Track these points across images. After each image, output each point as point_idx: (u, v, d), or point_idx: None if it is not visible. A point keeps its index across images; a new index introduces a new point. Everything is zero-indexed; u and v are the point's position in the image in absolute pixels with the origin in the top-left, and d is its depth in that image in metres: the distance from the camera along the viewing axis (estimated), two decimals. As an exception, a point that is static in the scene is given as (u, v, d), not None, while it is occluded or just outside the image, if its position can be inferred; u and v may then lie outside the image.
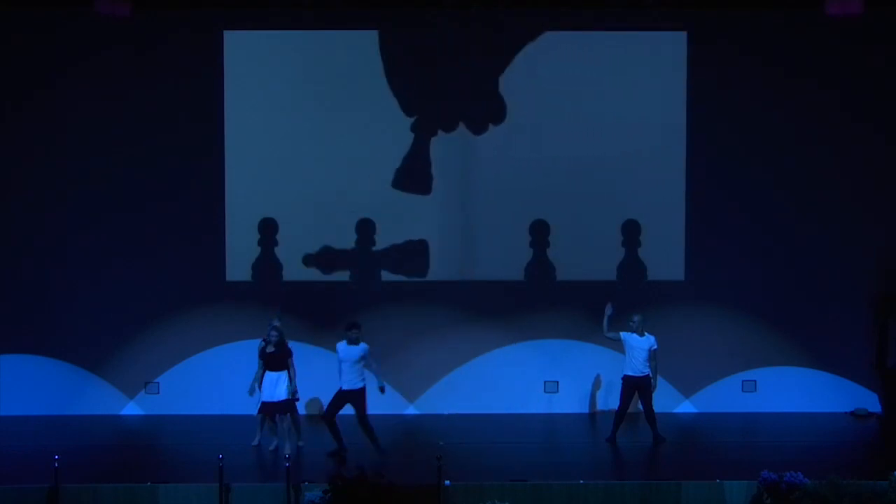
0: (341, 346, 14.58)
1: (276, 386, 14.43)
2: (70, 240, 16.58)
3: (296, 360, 14.78)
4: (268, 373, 14.46)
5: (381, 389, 14.61)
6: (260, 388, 14.58)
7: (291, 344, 14.84)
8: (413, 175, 16.60)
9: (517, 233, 16.76)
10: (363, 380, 14.54)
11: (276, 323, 14.86)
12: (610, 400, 16.56)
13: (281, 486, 12.81)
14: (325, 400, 16.36)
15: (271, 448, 14.48)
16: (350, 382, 14.50)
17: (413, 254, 16.72)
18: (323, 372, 16.16)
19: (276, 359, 14.49)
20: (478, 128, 16.66)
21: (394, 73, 16.59)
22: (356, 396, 14.52)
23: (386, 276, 16.78)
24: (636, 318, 15.18)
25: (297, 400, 14.91)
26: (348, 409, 16.55)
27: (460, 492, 12.81)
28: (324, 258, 16.78)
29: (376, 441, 14.58)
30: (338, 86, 16.63)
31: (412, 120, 16.56)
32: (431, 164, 16.56)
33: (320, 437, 15.19)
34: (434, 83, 16.62)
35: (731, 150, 16.74)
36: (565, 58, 16.64)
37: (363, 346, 14.55)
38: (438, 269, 16.77)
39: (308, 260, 16.76)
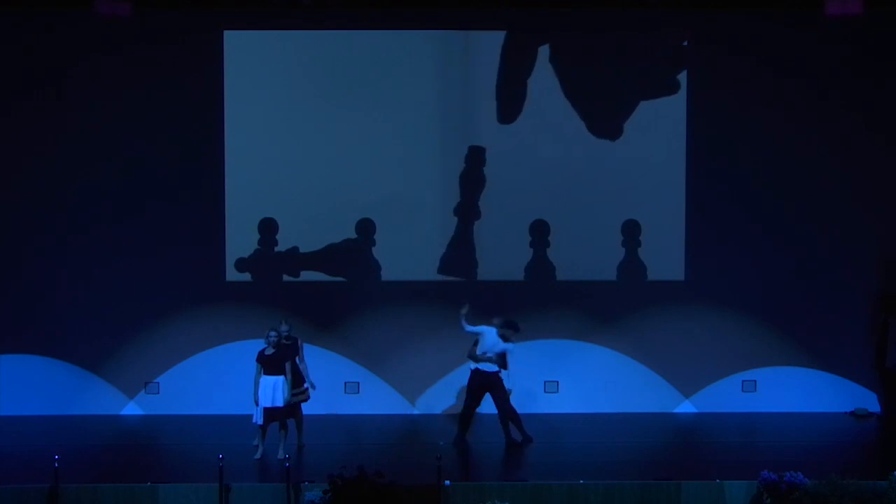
0: (491, 331, 15.12)
1: (273, 391, 14.25)
2: (70, 240, 16.55)
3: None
4: (264, 377, 14.30)
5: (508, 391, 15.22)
6: (256, 394, 14.34)
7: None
8: (457, 260, 16.78)
9: (517, 233, 16.75)
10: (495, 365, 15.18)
11: (284, 327, 14.79)
12: (610, 400, 16.59)
13: (281, 486, 12.80)
14: (327, 400, 16.35)
15: (257, 456, 14.26)
16: (486, 366, 15.12)
17: (352, 253, 16.73)
18: (323, 372, 16.15)
19: (274, 361, 14.33)
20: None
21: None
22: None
23: (384, 276, 16.77)
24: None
25: (307, 399, 14.86)
26: (349, 409, 16.62)
27: (460, 492, 12.79)
28: (323, 258, 16.79)
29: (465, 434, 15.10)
30: (338, 86, 16.61)
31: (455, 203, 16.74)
32: (475, 250, 16.72)
33: (320, 437, 15.18)
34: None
35: (731, 150, 16.73)
36: (565, 58, 16.66)
37: (508, 346, 15.17)
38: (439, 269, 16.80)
39: (305, 261, 16.79)
